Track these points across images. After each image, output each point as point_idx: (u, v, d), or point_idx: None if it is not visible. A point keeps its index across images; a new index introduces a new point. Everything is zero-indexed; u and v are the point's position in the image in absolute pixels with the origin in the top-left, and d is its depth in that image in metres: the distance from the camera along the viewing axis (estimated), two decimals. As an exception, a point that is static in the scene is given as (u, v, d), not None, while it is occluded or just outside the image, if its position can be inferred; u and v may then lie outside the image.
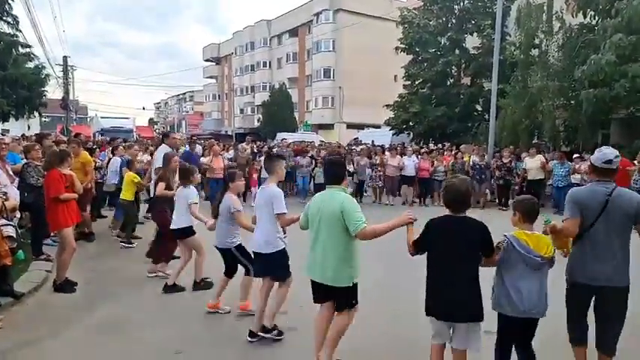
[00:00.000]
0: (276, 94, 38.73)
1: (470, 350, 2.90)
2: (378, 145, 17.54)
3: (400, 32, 23.41)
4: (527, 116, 14.98)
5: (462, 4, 21.77)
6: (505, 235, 2.93)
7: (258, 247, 3.91)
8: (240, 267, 4.56)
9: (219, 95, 59.02)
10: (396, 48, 23.68)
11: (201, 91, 64.23)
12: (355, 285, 3.31)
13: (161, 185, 5.77)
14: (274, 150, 14.31)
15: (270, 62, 47.52)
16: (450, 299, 2.80)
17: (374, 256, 5.27)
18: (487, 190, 12.69)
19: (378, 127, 29.20)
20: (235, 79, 51.77)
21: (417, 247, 3.01)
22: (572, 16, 14.16)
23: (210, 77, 60.60)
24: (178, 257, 5.57)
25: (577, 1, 13.93)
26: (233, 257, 4.50)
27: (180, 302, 4.57)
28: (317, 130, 37.27)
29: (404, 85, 24.97)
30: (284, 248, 3.93)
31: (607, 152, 3.13)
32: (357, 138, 25.25)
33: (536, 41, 15.36)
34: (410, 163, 13.04)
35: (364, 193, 13.69)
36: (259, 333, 3.93)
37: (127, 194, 7.44)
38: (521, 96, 14.98)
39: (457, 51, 21.79)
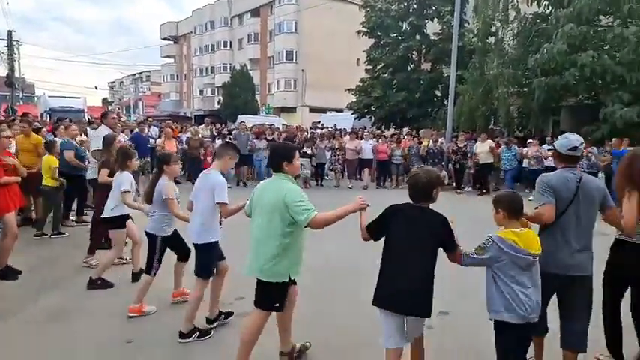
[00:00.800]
0: (237, 75, 37.86)
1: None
2: (337, 130, 17.62)
3: (363, 16, 23.36)
4: (484, 102, 15.40)
5: (422, -11, 21.90)
6: (489, 236, 2.63)
7: (192, 237, 3.69)
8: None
9: (177, 75, 57.16)
10: (359, 31, 23.63)
11: (158, 71, 61.82)
12: (285, 284, 3.02)
13: (104, 172, 5.28)
14: (233, 132, 14.08)
15: (230, 42, 46.38)
16: (404, 291, 2.61)
17: (349, 239, 5.26)
18: (444, 174, 13.03)
19: (340, 110, 29.22)
20: (194, 60, 50.25)
21: (371, 232, 2.85)
22: (527, 5, 14.54)
23: (168, 57, 58.50)
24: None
25: (532, -10, 14.32)
26: (165, 242, 4.14)
27: (132, 290, 4.41)
28: (279, 113, 36.86)
29: (366, 69, 25.02)
30: (216, 241, 3.73)
31: (572, 139, 2.99)
32: (320, 122, 25.23)
33: (493, 29, 15.67)
34: (367, 147, 13.25)
35: (325, 177, 13.74)
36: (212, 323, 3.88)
37: (47, 180, 6.68)
38: (479, 82, 15.35)
39: (418, 36, 21.98)
